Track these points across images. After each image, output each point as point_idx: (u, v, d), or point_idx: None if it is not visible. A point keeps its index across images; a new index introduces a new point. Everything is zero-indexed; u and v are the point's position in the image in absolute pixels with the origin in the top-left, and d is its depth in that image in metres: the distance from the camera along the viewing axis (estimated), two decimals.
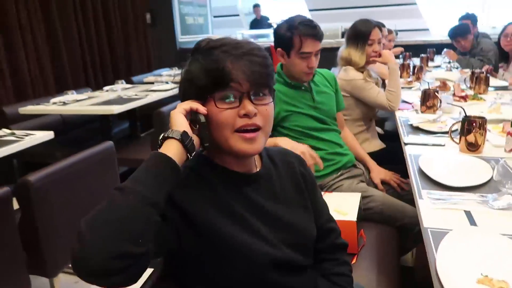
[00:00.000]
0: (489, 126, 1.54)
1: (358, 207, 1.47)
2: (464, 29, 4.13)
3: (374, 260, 1.41)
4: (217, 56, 0.77)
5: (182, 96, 0.84)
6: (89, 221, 0.62)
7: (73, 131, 3.61)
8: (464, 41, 4.09)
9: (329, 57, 3.40)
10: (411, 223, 1.56)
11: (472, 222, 0.99)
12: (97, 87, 4.44)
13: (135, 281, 0.66)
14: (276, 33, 1.73)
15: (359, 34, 2.27)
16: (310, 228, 0.92)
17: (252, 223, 0.81)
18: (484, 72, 2.66)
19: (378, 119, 2.93)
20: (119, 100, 3.04)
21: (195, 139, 0.76)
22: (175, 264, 0.81)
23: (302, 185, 0.94)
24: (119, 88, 3.45)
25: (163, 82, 3.86)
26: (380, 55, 2.24)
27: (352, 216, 1.41)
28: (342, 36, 2.49)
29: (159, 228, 0.69)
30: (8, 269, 1.46)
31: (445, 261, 0.80)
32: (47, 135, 2.14)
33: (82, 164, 1.70)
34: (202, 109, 0.77)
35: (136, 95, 3.23)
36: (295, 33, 1.63)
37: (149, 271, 0.86)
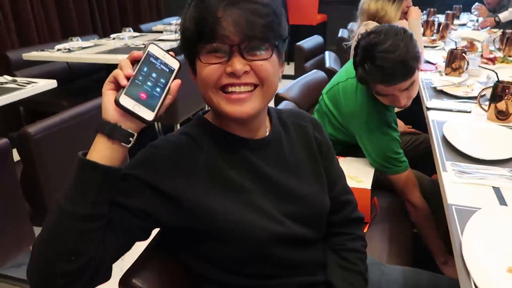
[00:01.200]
0: None
1: (373, 174, 1.40)
2: None
3: (386, 230, 1.35)
4: (208, 3, 0.65)
5: (183, 53, 0.73)
6: (35, 239, 0.61)
7: (79, 80, 3.52)
8: None
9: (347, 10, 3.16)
10: (426, 196, 1.47)
11: (502, 201, 0.90)
12: (105, 34, 4.28)
13: (100, 282, 0.64)
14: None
15: None
16: (322, 200, 0.83)
17: (251, 195, 0.73)
18: None
19: None
20: (126, 49, 2.92)
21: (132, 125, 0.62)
22: (169, 240, 0.76)
23: (316, 152, 0.85)
24: (126, 37, 3.31)
25: (172, 32, 3.69)
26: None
27: (367, 183, 1.34)
28: None
29: (121, 226, 0.65)
30: (11, 221, 1.44)
31: (472, 244, 0.73)
32: (50, 83, 2.05)
33: (84, 116, 1.63)
34: (121, 79, 0.60)
35: (143, 44, 3.09)
36: (369, 79, 1.26)
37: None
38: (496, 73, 1.47)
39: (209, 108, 0.81)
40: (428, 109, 1.52)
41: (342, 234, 0.89)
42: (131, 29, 3.51)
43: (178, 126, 2.82)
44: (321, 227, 0.85)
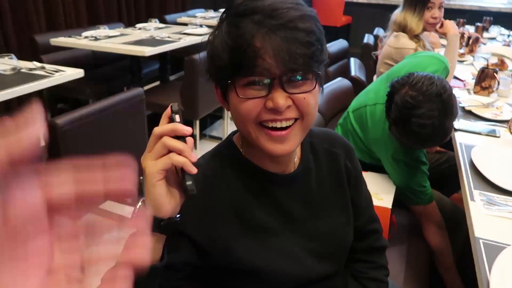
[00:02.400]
0: None
1: (394, 192, 1.38)
2: None
3: (404, 250, 1.35)
4: (244, 29, 0.59)
5: (209, 74, 0.68)
6: None
7: (103, 67, 3.55)
8: None
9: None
10: (446, 218, 1.45)
11: None
12: (129, 22, 4.31)
13: None
14: None
15: None
16: (347, 233, 0.81)
17: (276, 237, 0.72)
18: None
19: None
20: (152, 41, 2.93)
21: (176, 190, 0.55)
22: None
23: (345, 182, 0.81)
24: (152, 28, 3.32)
25: (197, 25, 3.70)
26: (442, 25, 2.03)
27: (388, 202, 1.32)
28: None
29: (169, 283, 0.63)
30: None
31: (501, 286, 0.72)
32: (77, 73, 2.08)
33: (111, 109, 1.65)
34: (191, 167, 0.52)
35: (169, 37, 3.10)
36: (402, 139, 1.23)
37: None
38: None
39: None
40: (456, 130, 1.49)
41: (365, 262, 0.88)
42: (157, 20, 3.52)
43: (198, 122, 2.83)
44: (343, 259, 0.83)
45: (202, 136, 3.30)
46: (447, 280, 1.35)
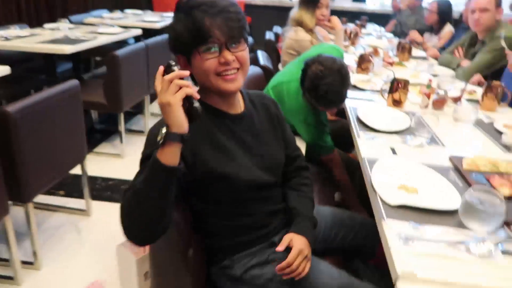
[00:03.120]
0: (410, 88, 1.93)
1: (305, 149, 1.79)
2: None
3: (315, 191, 1.75)
4: (196, 16, 0.91)
5: (173, 49, 1.00)
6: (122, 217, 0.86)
7: (11, 68, 3.44)
8: None
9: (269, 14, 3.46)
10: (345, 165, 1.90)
11: (395, 153, 1.35)
12: (30, 23, 4.18)
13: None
14: None
15: None
16: (281, 155, 1.18)
17: (235, 153, 1.04)
18: (409, 43, 3.10)
19: None
20: (68, 40, 2.99)
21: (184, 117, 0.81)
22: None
23: (276, 123, 1.18)
24: (67, 28, 3.35)
25: (108, 25, 3.80)
26: (329, 20, 2.54)
27: None
28: None
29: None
30: None
31: (377, 177, 1.14)
32: (4, 70, 2.12)
33: (53, 99, 1.79)
34: (196, 94, 0.82)
35: (84, 36, 3.18)
36: (312, 102, 1.63)
37: None
38: (393, 72, 1.97)
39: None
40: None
41: (297, 177, 1.25)
42: (67, 20, 3.54)
43: (122, 116, 2.98)
44: (279, 174, 1.19)
45: (126, 131, 3.43)
46: (350, 202, 1.80)
